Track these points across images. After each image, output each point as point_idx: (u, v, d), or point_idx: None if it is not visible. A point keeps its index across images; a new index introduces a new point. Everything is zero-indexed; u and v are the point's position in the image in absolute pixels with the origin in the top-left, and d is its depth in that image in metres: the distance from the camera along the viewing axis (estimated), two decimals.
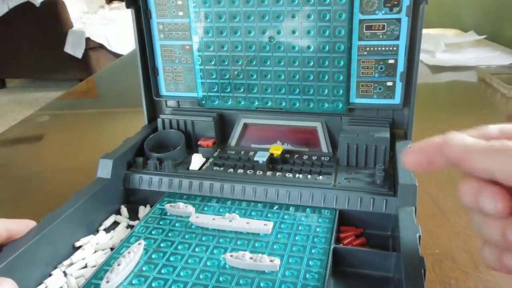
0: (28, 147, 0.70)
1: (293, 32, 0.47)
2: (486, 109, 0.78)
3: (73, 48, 2.94)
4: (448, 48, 1.16)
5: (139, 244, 0.36)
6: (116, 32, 3.06)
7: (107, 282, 0.32)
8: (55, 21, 2.91)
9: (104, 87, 1.11)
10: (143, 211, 0.45)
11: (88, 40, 2.94)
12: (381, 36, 0.45)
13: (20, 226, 0.34)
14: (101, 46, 3.04)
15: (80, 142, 0.70)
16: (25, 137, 0.74)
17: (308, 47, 0.47)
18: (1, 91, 3.32)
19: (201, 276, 0.33)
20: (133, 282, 0.33)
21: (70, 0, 3.00)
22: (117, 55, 2.95)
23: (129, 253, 0.35)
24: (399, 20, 0.44)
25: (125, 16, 3.05)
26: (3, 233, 0.33)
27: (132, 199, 0.46)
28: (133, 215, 0.44)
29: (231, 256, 0.34)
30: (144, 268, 0.34)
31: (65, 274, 0.35)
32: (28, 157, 0.65)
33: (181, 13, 0.50)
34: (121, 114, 0.83)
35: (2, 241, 0.33)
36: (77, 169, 0.58)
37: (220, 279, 0.33)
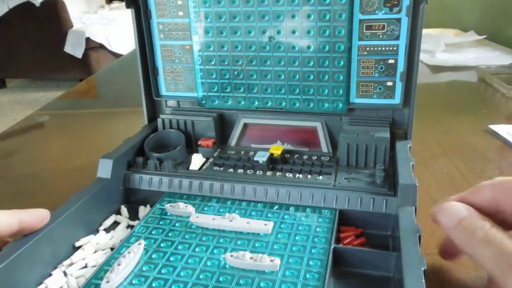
0: (28, 147, 0.70)
1: (293, 32, 0.47)
2: (486, 109, 0.78)
3: (73, 48, 2.94)
4: (448, 48, 1.16)
5: (139, 244, 0.36)
6: (116, 32, 3.07)
7: (107, 282, 0.32)
8: (55, 21, 2.92)
9: (104, 87, 1.11)
10: (143, 211, 0.45)
11: (88, 40, 2.95)
12: (381, 36, 0.45)
13: (32, 216, 0.33)
14: (101, 46, 3.05)
15: (80, 142, 0.70)
16: (25, 137, 0.74)
17: (308, 47, 0.47)
18: (1, 91, 3.33)
19: (201, 276, 0.33)
20: (133, 282, 0.33)
21: (70, 0, 3.01)
22: (117, 55, 2.96)
23: (129, 253, 0.35)
24: (399, 20, 0.44)
25: (125, 16, 3.06)
26: (15, 225, 0.32)
27: (132, 199, 0.46)
28: (133, 215, 0.44)
29: (231, 256, 0.34)
30: (144, 268, 0.34)
31: (65, 274, 0.35)
32: (28, 156, 0.65)
33: (181, 13, 0.50)
34: (121, 114, 0.83)
35: (15, 232, 0.32)
36: (77, 169, 0.58)
37: (220, 279, 0.33)
